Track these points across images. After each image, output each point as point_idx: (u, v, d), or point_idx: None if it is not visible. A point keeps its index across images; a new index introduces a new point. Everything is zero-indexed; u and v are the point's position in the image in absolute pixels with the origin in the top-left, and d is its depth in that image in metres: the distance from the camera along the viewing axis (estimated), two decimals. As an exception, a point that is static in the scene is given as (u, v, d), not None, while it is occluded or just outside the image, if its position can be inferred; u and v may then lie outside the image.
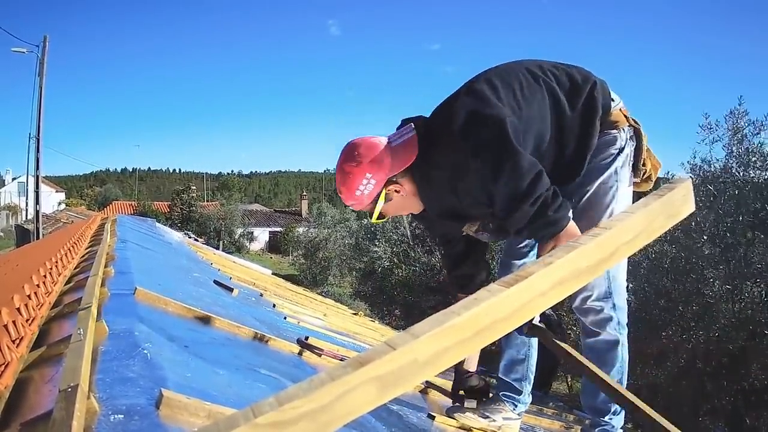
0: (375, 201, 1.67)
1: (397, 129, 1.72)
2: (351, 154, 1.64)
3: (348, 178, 1.64)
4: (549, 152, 1.66)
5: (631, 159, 1.79)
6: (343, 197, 1.70)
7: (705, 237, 6.48)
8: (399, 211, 1.77)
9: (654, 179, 1.90)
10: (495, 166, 1.50)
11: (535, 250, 1.96)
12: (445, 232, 1.95)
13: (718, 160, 6.76)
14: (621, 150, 1.75)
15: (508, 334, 1.83)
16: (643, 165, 1.83)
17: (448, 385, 2.99)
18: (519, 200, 1.49)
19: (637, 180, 1.84)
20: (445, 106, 1.67)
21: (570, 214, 1.53)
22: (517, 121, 1.56)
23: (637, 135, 1.79)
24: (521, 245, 1.97)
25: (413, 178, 1.68)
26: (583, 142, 1.68)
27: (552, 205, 1.49)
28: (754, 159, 6.40)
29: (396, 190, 1.68)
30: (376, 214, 1.70)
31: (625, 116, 1.78)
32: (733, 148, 6.54)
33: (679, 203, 0.99)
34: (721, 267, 6.40)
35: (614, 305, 1.79)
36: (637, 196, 1.80)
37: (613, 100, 1.76)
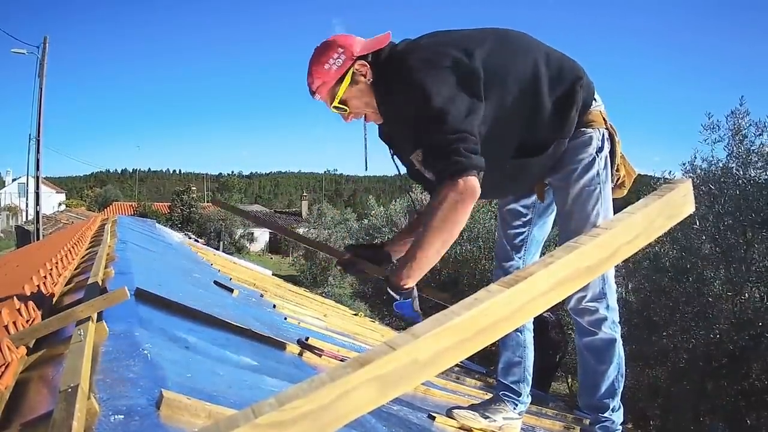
0: (341, 80, 1.68)
1: None
2: (326, 40, 1.72)
3: (320, 53, 1.69)
4: (516, 116, 1.67)
5: (609, 161, 1.79)
6: (311, 78, 1.70)
7: (705, 237, 6.48)
8: (360, 106, 1.74)
9: (627, 186, 1.90)
10: (434, 89, 1.54)
11: (524, 253, 1.97)
12: (402, 161, 1.89)
13: (719, 160, 6.76)
14: (600, 150, 1.76)
15: (504, 336, 1.84)
16: (617, 171, 1.84)
17: (449, 385, 3.00)
18: (441, 125, 1.52)
19: (611, 185, 1.83)
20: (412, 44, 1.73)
21: (476, 169, 1.52)
22: (480, 67, 1.61)
23: (611, 139, 1.79)
24: (513, 244, 1.98)
25: (375, 85, 1.70)
26: (557, 124, 1.69)
27: (469, 145, 1.51)
28: (755, 159, 6.39)
29: (362, 73, 1.69)
30: (339, 96, 1.69)
31: (603, 119, 1.78)
32: (734, 148, 6.54)
33: (679, 203, 0.99)
34: (721, 267, 6.40)
35: (608, 306, 1.80)
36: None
37: (595, 101, 1.78)
